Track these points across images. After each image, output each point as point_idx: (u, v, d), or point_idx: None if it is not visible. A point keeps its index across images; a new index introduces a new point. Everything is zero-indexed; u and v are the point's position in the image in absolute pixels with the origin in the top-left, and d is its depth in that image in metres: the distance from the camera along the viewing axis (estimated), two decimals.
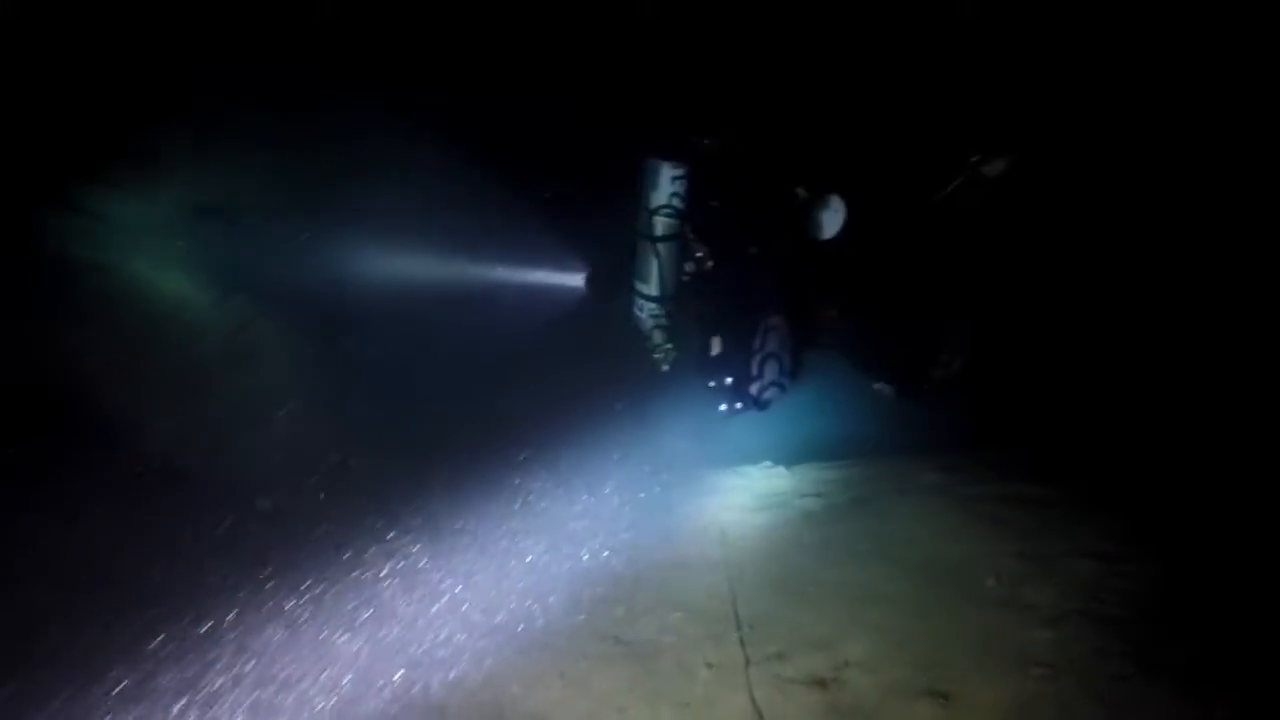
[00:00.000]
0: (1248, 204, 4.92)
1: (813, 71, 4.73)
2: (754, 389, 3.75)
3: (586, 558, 3.59)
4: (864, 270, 3.85)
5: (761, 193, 3.69)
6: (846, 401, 5.19)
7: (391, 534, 3.54)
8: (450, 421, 4.29)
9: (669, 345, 3.87)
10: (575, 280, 4.51)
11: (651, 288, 3.69)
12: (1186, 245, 5.11)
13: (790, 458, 4.99)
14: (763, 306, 3.73)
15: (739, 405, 3.81)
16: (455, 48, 5.17)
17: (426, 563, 3.47)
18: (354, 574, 3.33)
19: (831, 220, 3.63)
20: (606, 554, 3.62)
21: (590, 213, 4.60)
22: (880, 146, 4.06)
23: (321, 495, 3.75)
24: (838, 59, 4.85)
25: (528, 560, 3.53)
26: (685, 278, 3.77)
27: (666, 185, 3.54)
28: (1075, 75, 4.86)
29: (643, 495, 4.22)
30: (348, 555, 3.42)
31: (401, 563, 3.42)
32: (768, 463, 4.98)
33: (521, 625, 3.19)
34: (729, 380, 3.73)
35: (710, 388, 3.83)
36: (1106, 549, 3.26)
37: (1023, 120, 4.26)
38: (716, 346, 3.76)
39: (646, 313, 3.82)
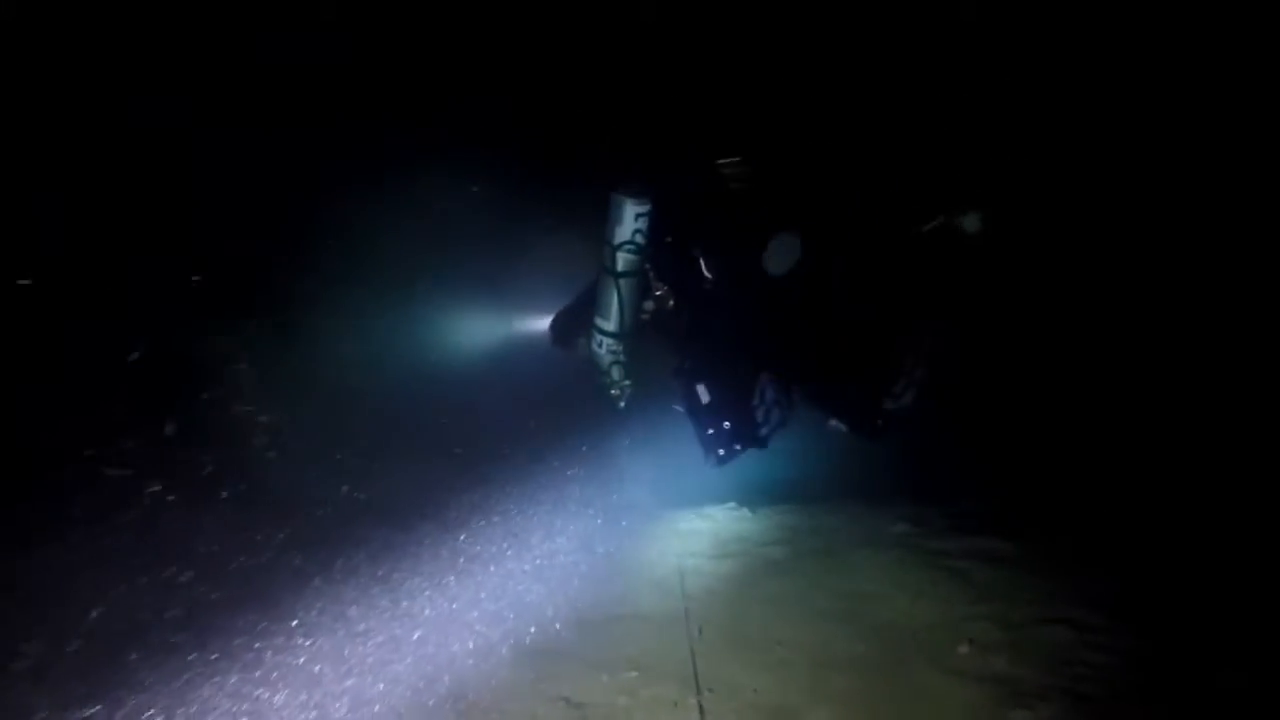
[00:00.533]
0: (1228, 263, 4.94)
1: (793, 106, 4.77)
2: (763, 432, 3.63)
3: (533, 626, 3.33)
4: (820, 305, 3.78)
5: (718, 229, 3.64)
6: (811, 442, 5.06)
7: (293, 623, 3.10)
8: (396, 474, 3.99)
9: (626, 382, 3.72)
10: (542, 321, 4.33)
11: (611, 324, 3.58)
12: (1158, 290, 5.11)
13: (754, 499, 4.83)
14: (747, 361, 3.65)
15: (738, 448, 3.64)
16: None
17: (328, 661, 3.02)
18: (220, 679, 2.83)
19: (786, 256, 3.56)
20: (556, 612, 3.39)
21: (561, 251, 4.40)
22: (854, 185, 4.01)
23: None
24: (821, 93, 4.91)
25: (473, 625, 3.26)
26: (645, 316, 3.70)
27: (630, 221, 3.44)
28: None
29: (600, 548, 4.00)
30: (215, 656, 2.95)
31: (302, 658, 2.97)
32: (732, 504, 4.80)
33: (464, 683, 2.94)
34: (727, 425, 3.58)
35: (710, 436, 3.65)
36: (1079, 615, 3.09)
37: (1002, 174, 4.24)
38: (705, 395, 3.63)
39: (605, 349, 3.68)
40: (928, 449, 4.84)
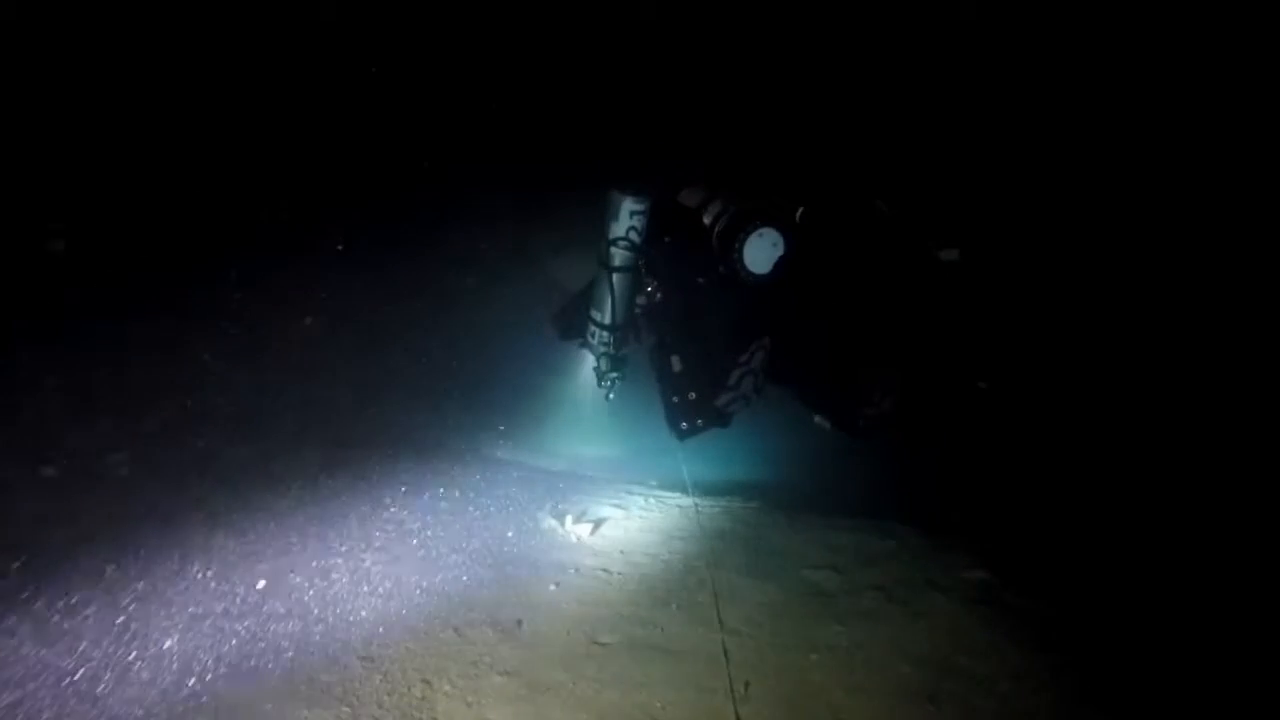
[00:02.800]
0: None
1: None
2: (721, 400, 3.45)
3: (528, 646, 2.42)
4: (804, 308, 3.59)
5: (701, 226, 3.50)
6: (832, 445, 4.27)
7: None
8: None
9: (614, 374, 3.52)
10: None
11: (605, 316, 3.44)
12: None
13: (785, 501, 3.98)
14: (755, 326, 3.47)
15: (699, 422, 3.46)
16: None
17: None
18: None
19: (768, 256, 3.38)
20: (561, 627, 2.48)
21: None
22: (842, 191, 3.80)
23: None
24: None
25: (457, 627, 2.33)
26: (637, 310, 3.54)
27: (625, 218, 3.31)
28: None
29: (615, 543, 3.12)
30: None
31: None
32: (758, 503, 3.94)
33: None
34: (693, 395, 3.41)
35: (674, 404, 3.47)
36: None
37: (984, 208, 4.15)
38: (677, 364, 3.47)
39: (597, 340, 3.51)
40: (960, 468, 4.09)
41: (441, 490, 3.37)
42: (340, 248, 5.26)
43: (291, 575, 2.67)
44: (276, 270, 4.90)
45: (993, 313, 4.16)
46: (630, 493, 3.85)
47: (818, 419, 3.83)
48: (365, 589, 2.67)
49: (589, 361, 3.67)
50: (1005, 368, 4.24)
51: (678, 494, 3.88)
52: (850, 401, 3.69)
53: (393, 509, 3.17)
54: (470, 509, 3.30)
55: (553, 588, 2.85)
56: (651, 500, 3.80)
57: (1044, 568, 3.27)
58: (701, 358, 3.45)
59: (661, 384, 3.55)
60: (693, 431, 3.49)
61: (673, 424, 3.51)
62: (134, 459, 3.20)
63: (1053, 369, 4.61)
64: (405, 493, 3.30)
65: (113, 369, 3.86)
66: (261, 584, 2.60)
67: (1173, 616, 2.95)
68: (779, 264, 3.36)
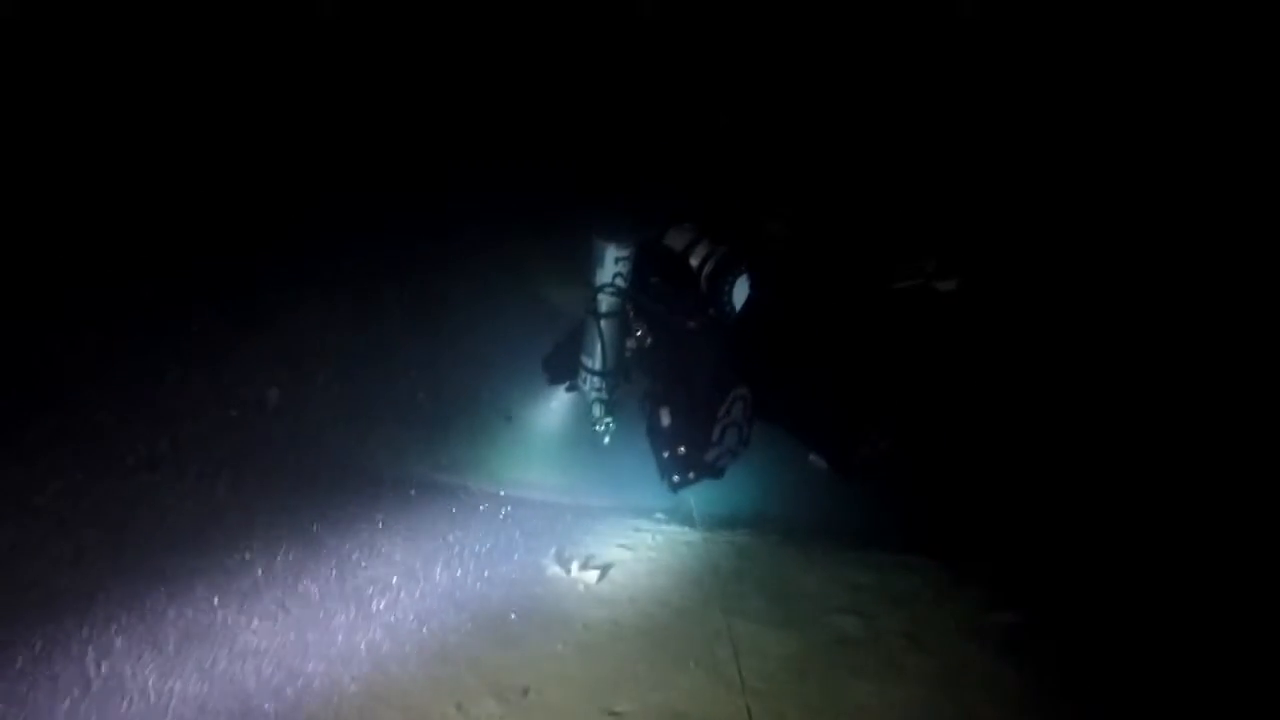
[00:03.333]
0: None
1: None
2: (710, 455, 3.37)
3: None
4: (791, 346, 3.53)
5: (689, 268, 3.47)
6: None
7: None
8: None
9: (608, 419, 3.54)
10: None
11: (595, 362, 3.44)
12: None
13: (798, 531, 3.80)
14: (730, 377, 3.39)
15: (691, 475, 3.37)
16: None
17: None
18: None
19: (740, 292, 3.37)
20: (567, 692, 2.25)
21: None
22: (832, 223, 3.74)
23: None
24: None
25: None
26: (627, 354, 3.54)
27: (610, 265, 3.32)
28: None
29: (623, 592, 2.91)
30: None
31: None
32: (766, 536, 3.75)
33: None
34: (682, 450, 3.32)
35: (664, 458, 3.38)
36: None
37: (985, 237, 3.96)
38: (666, 417, 3.41)
39: (589, 386, 3.51)
40: (965, 491, 3.90)
41: (438, 543, 3.16)
42: (333, 263, 4.99)
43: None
44: (256, 297, 4.66)
45: (994, 343, 3.98)
46: (637, 529, 3.65)
47: (813, 458, 3.73)
48: (349, 670, 2.45)
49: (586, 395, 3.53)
50: (1007, 392, 4.07)
51: (685, 528, 3.69)
52: (846, 442, 3.58)
53: (383, 577, 2.94)
54: (469, 565, 3.09)
55: (560, 647, 2.65)
56: (659, 537, 3.60)
57: (1067, 605, 3.08)
58: (689, 411, 3.40)
59: (651, 436, 3.48)
60: (685, 484, 3.42)
61: (665, 477, 3.44)
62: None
63: (1056, 390, 4.42)
64: (400, 546, 3.09)
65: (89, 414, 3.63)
66: None
67: (1200, 648, 2.77)
68: (765, 303, 3.31)
